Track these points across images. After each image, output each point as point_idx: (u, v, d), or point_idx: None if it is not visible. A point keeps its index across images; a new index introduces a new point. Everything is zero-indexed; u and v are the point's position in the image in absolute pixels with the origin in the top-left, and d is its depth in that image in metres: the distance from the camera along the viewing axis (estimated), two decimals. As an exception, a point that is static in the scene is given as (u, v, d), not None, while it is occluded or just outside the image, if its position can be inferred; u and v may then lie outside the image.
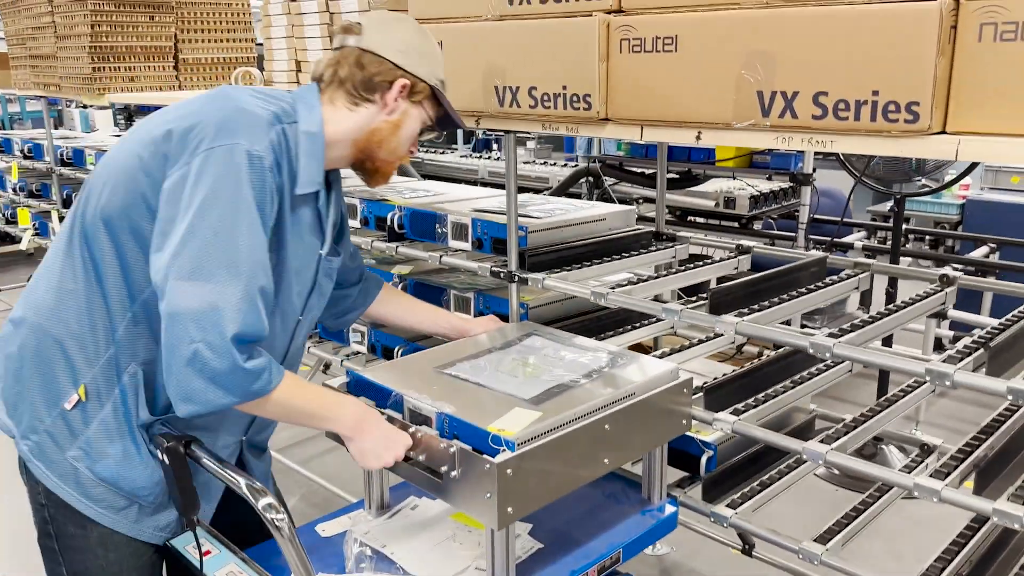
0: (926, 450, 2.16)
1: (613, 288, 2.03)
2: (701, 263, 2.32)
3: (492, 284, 2.47)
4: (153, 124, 1.48)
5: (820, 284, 2.07)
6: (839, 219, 3.88)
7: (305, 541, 1.50)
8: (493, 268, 2.26)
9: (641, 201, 4.74)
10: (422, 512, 1.87)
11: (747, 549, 2.17)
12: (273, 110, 1.50)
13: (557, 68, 1.86)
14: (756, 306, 1.87)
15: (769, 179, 4.15)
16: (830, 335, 1.66)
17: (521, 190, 3.23)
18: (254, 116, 1.45)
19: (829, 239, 3.86)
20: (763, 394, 1.95)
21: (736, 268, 2.41)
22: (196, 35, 4.12)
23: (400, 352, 2.72)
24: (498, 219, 2.34)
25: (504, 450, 1.47)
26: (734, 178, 4.33)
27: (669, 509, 1.90)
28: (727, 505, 1.90)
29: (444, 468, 1.52)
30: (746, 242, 2.46)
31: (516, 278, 2.19)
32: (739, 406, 1.88)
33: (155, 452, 1.47)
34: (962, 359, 1.53)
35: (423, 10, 2.14)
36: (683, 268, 2.29)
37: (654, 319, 2.35)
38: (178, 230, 1.35)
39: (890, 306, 1.87)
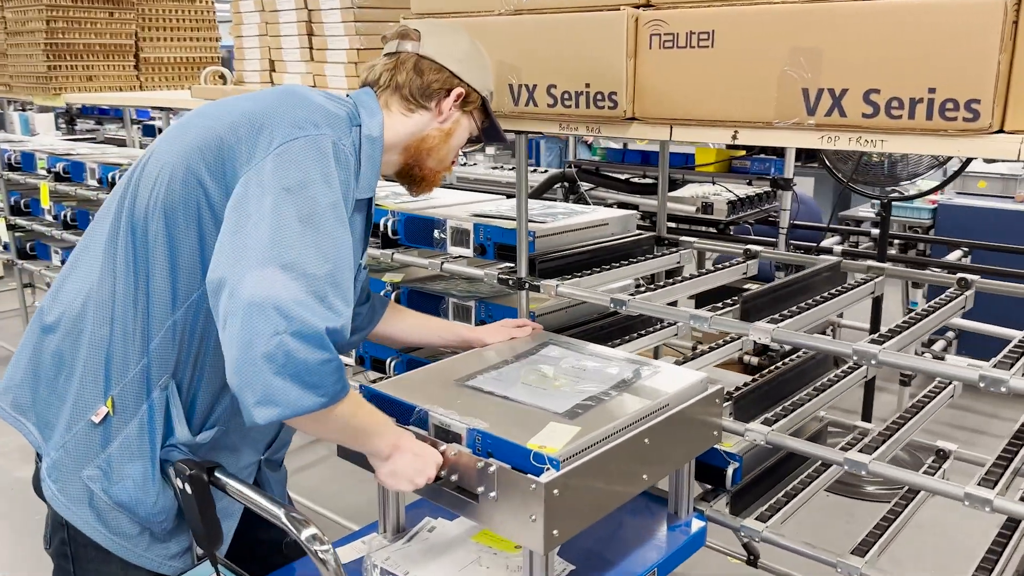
0: (942, 455, 2.13)
1: (632, 294, 1.95)
2: (713, 268, 2.26)
3: (494, 291, 2.37)
4: (212, 118, 1.37)
5: (840, 288, 2.03)
6: (824, 225, 3.89)
7: (318, 569, 1.38)
8: (501, 275, 2.17)
9: (616, 206, 4.69)
10: (441, 534, 1.75)
11: (752, 560, 2.11)
12: (345, 111, 1.46)
13: (579, 65, 1.78)
14: (786, 312, 1.81)
15: (749, 184, 4.14)
16: (872, 342, 1.61)
17: (492, 194, 3.16)
18: (334, 114, 1.41)
19: (815, 245, 3.86)
20: (789, 403, 1.89)
21: (745, 273, 2.36)
22: (158, 33, 3.93)
23: (392, 364, 2.60)
24: (501, 224, 2.24)
25: (548, 468, 1.38)
26: (713, 183, 4.31)
27: (697, 524, 1.82)
28: (756, 517, 1.83)
29: (481, 489, 1.42)
30: (752, 247, 2.41)
31: (527, 285, 2.10)
32: (769, 416, 1.82)
33: (172, 479, 1.33)
34: (1012, 364, 1.48)
35: (428, 4, 2.03)
36: (697, 274, 2.23)
37: (659, 326, 2.29)
38: (258, 220, 1.23)
39: (919, 311, 1.84)
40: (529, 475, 1.36)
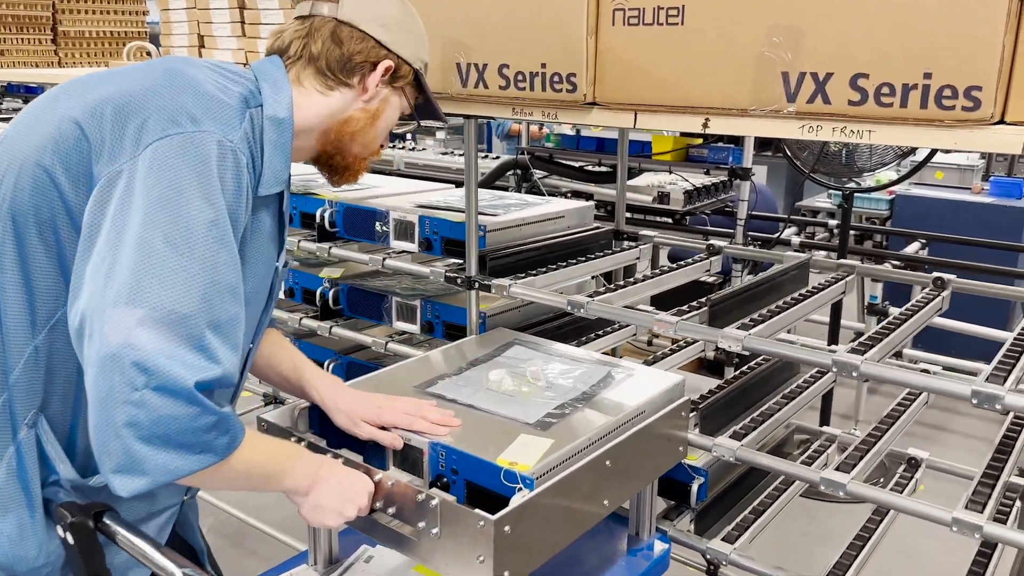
0: (914, 464, 2.02)
1: (591, 295, 1.79)
2: (675, 265, 2.11)
3: (441, 290, 2.19)
4: (72, 100, 1.14)
5: (811, 289, 1.90)
6: (782, 216, 3.78)
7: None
8: (448, 273, 1.98)
9: (570, 195, 4.54)
10: (380, 564, 1.57)
11: (712, 570, 1.98)
12: (239, 91, 1.20)
13: (535, 43, 1.60)
14: (756, 316, 1.66)
15: (707, 173, 4.02)
16: (852, 351, 1.47)
17: (440, 182, 2.96)
18: (219, 101, 1.15)
19: (773, 236, 3.76)
20: (757, 412, 1.76)
21: (708, 270, 2.22)
22: (79, 5, 3.62)
23: (331, 368, 2.41)
24: (449, 216, 2.06)
25: (520, 488, 1.24)
26: (670, 172, 4.18)
27: (660, 547, 1.68)
28: (722, 538, 1.70)
29: (421, 524, 1.24)
30: (716, 242, 2.27)
31: (476, 284, 1.92)
32: (737, 428, 1.68)
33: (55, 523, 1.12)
34: (1005, 377, 1.36)
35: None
36: (659, 272, 2.07)
37: (617, 326, 2.13)
38: (118, 243, 1.02)
39: (897, 315, 1.71)
40: (477, 511, 1.19)
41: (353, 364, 2.35)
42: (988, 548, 1.64)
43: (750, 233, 3.90)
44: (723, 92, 1.42)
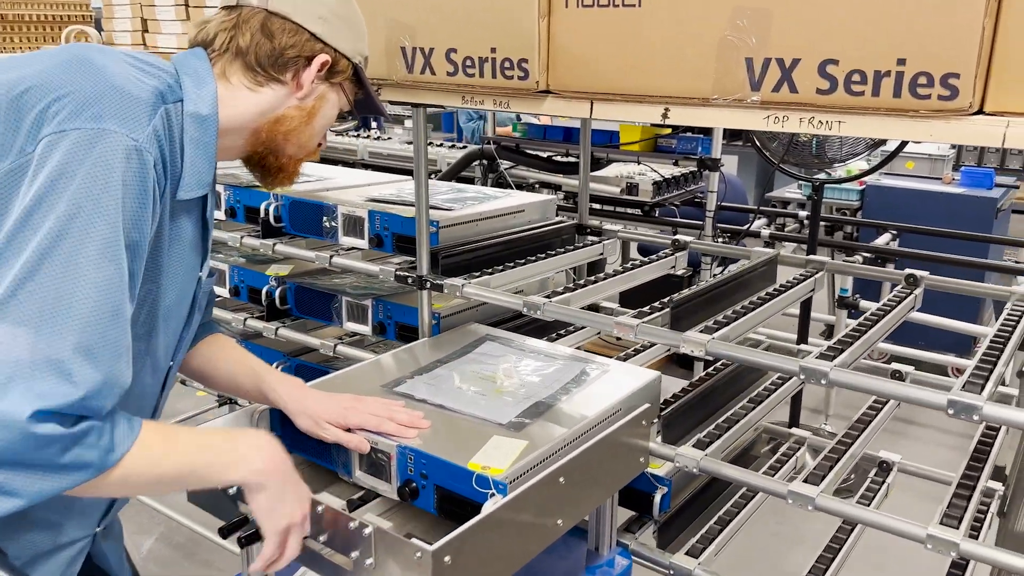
0: (885, 467, 1.94)
1: (549, 297, 1.69)
2: (640, 262, 2.01)
3: (394, 288, 2.08)
4: None
5: (781, 287, 1.81)
6: (751, 207, 3.70)
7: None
8: (399, 272, 1.87)
9: (538, 186, 4.43)
10: (319, 589, 1.47)
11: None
12: (154, 84, 1.08)
13: (484, 26, 1.49)
14: (721, 318, 1.57)
15: (675, 164, 3.92)
16: (821, 356, 1.38)
17: (405, 173, 2.84)
18: (127, 93, 1.02)
19: (743, 228, 3.68)
20: (723, 419, 1.67)
21: (673, 267, 2.13)
22: (17, -14, 3.44)
23: (280, 369, 2.28)
24: (400, 211, 1.94)
25: (493, 494, 1.19)
26: (638, 162, 4.08)
27: (621, 563, 1.59)
28: (687, 552, 1.61)
29: (355, 554, 1.14)
30: (682, 237, 2.17)
31: (428, 284, 1.81)
32: (701, 436, 1.58)
33: None
34: (982, 386, 1.28)
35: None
36: (622, 269, 1.97)
37: (578, 326, 2.04)
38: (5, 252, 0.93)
39: (869, 315, 1.63)
40: (415, 540, 1.08)
41: (303, 367, 2.24)
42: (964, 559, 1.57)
43: (720, 225, 3.83)
44: (683, 80, 1.32)
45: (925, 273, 1.86)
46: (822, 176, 3.33)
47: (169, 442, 1.08)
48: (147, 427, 1.03)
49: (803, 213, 4.23)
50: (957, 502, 1.38)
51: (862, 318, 1.60)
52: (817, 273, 1.94)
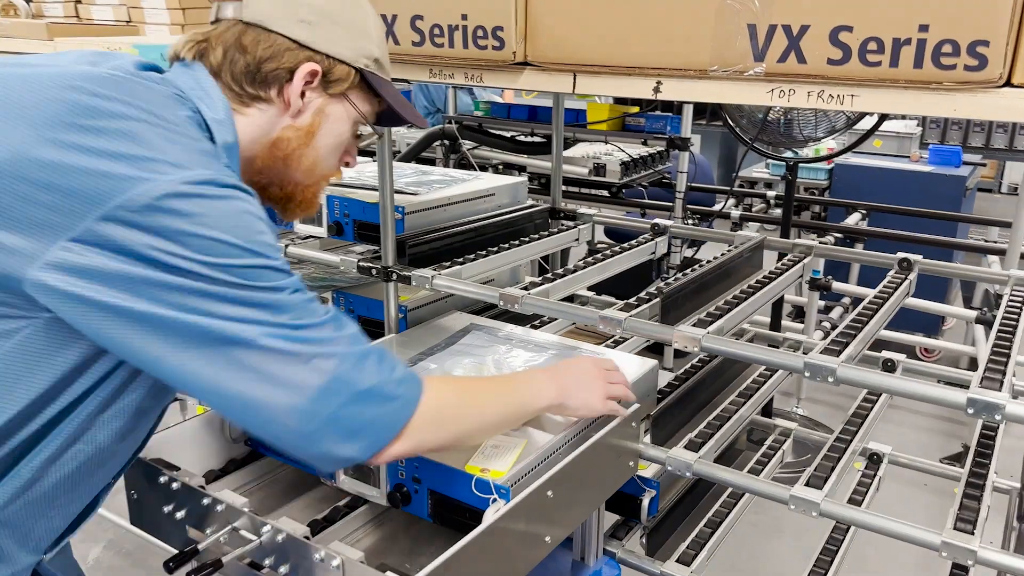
0: (875, 460, 1.87)
1: (527, 288, 1.56)
2: (618, 248, 1.89)
3: (356, 280, 1.93)
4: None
5: (770, 275, 1.70)
6: (723, 187, 3.61)
7: None
8: (362, 262, 1.72)
9: (502, 168, 4.28)
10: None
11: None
12: (185, 109, 0.98)
13: (453, -10, 1.34)
14: (714, 310, 1.46)
15: (644, 143, 3.81)
16: (826, 351, 1.28)
17: (363, 155, 2.66)
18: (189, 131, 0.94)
19: (716, 210, 3.59)
20: (714, 416, 1.56)
21: (653, 252, 2.01)
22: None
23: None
24: (362, 196, 1.79)
25: (495, 499, 1.10)
26: (606, 142, 3.96)
27: (609, 572, 1.48)
28: (678, 560, 1.51)
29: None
30: (662, 221, 2.06)
31: (395, 275, 1.67)
32: (693, 436, 1.48)
33: None
34: (1000, 383, 1.18)
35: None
36: (601, 257, 1.85)
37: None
38: None
39: (868, 303, 1.53)
40: (338, 556, 0.96)
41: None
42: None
43: (689, 206, 3.73)
44: (678, 49, 1.19)
45: (919, 257, 1.77)
46: (795, 155, 3.24)
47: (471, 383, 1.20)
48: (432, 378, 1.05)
49: (771, 193, 4.17)
50: (968, 503, 1.29)
51: (861, 307, 1.51)
52: (805, 258, 1.84)
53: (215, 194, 0.87)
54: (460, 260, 1.72)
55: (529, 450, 1.21)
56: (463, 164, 4.03)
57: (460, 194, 1.93)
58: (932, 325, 4.08)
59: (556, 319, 1.86)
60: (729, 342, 1.34)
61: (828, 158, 3.64)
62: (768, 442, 1.93)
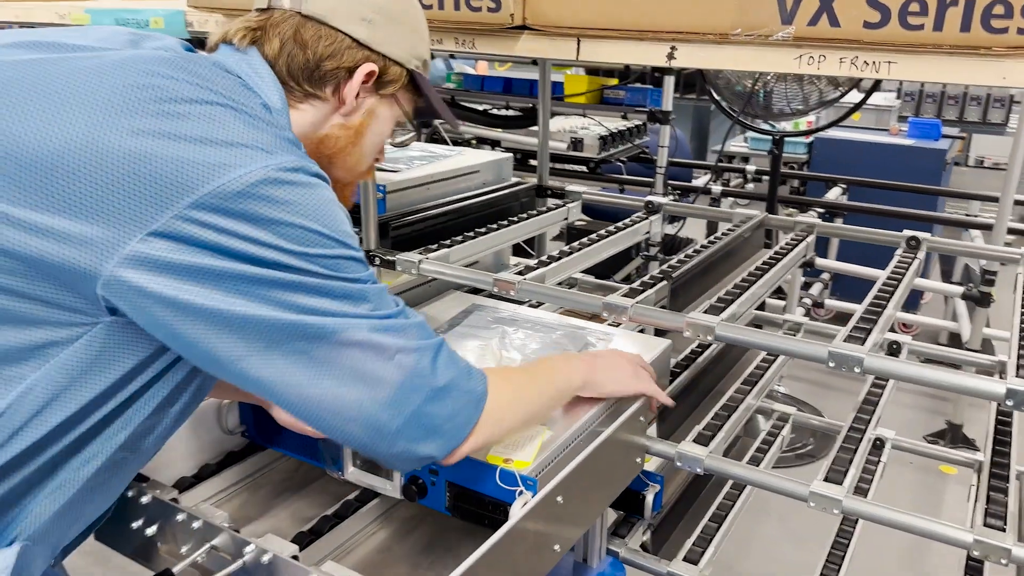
0: (879, 444, 1.80)
1: (522, 273, 1.45)
2: (613, 228, 1.79)
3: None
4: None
5: (775, 256, 1.62)
6: (705, 163, 3.52)
7: None
8: (341, 246, 1.60)
9: (475, 142, 4.15)
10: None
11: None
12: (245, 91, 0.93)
13: (444, -54, 1.22)
14: (725, 295, 1.37)
15: (624, 117, 3.71)
16: (849, 339, 1.20)
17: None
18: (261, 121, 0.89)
19: (699, 187, 3.50)
20: (720, 406, 1.48)
21: (648, 232, 1.92)
22: None
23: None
24: (339, 174, 1.66)
25: (521, 491, 1.02)
26: (583, 115, 3.85)
27: (614, 575, 1.39)
28: (685, 558, 1.42)
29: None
30: (656, 199, 1.96)
31: (378, 260, 1.55)
32: (702, 429, 1.39)
33: None
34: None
35: None
36: (596, 237, 1.75)
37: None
38: None
39: (883, 284, 1.45)
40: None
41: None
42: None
43: (669, 182, 3.65)
44: (696, 10, 1.08)
45: (927, 235, 1.70)
46: (782, 128, 3.17)
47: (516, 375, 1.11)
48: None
49: (751, 168, 4.10)
50: (996, 496, 1.22)
51: (875, 291, 1.42)
52: (808, 236, 1.76)
53: (305, 182, 0.84)
54: (447, 242, 1.61)
55: (551, 439, 1.12)
56: (435, 139, 3.89)
57: (444, 171, 1.81)
58: (912, 300, 4.07)
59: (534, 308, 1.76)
60: (746, 330, 1.25)
61: (816, 131, 3.57)
62: (767, 428, 1.86)
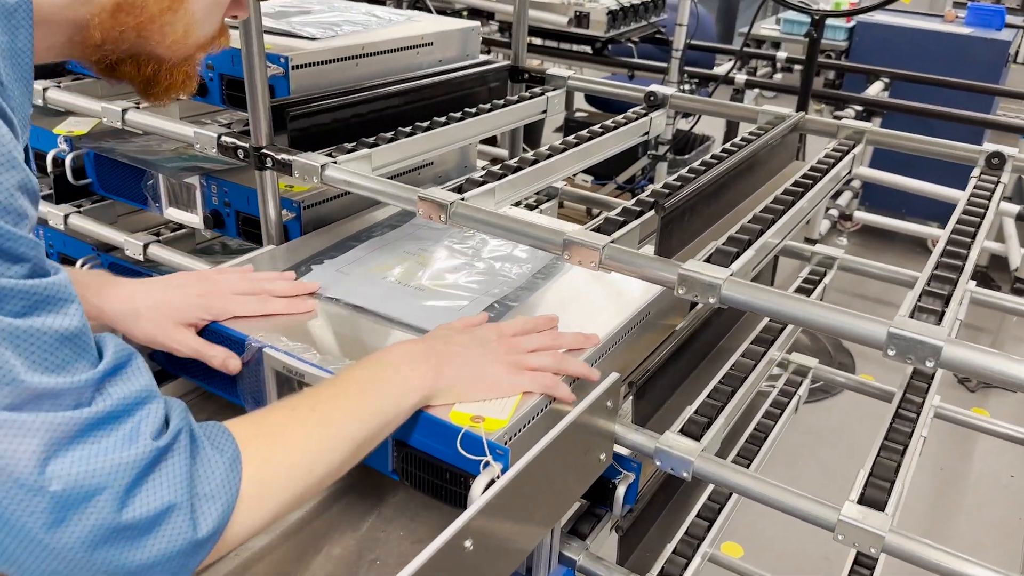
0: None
1: (460, 191, 1.05)
2: (601, 129, 1.36)
3: (231, 161, 1.40)
4: None
5: (812, 174, 1.19)
6: (729, 47, 3.01)
7: None
8: (225, 139, 1.19)
9: (466, 14, 3.63)
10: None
11: None
12: None
13: None
14: (739, 230, 0.97)
15: (636, -12, 3.18)
16: (920, 312, 0.80)
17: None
18: None
19: (721, 75, 3.01)
20: (714, 387, 1.10)
21: (646, 133, 1.49)
22: None
23: (90, 266, 1.63)
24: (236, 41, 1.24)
25: (488, 463, 0.79)
26: (591, -15, 3.32)
27: (563, 595, 1.06)
28: (660, 574, 1.09)
29: None
30: (660, 89, 1.52)
31: (270, 161, 1.15)
32: (694, 412, 1.02)
33: None
34: None
35: None
36: (580, 139, 1.32)
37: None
38: None
39: (958, 230, 1.04)
40: None
41: (117, 266, 1.58)
42: None
43: (687, 68, 3.16)
44: None
45: (1014, 151, 1.27)
46: (823, 7, 2.66)
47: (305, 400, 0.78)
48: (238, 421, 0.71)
49: (781, 55, 3.57)
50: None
51: (949, 232, 1.02)
52: (855, 147, 1.33)
53: None
54: (370, 140, 1.20)
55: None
56: (417, 6, 3.38)
57: (379, 41, 1.37)
58: (944, 213, 3.63)
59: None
60: (764, 293, 0.85)
61: (856, 14, 3.05)
62: (782, 382, 1.50)
